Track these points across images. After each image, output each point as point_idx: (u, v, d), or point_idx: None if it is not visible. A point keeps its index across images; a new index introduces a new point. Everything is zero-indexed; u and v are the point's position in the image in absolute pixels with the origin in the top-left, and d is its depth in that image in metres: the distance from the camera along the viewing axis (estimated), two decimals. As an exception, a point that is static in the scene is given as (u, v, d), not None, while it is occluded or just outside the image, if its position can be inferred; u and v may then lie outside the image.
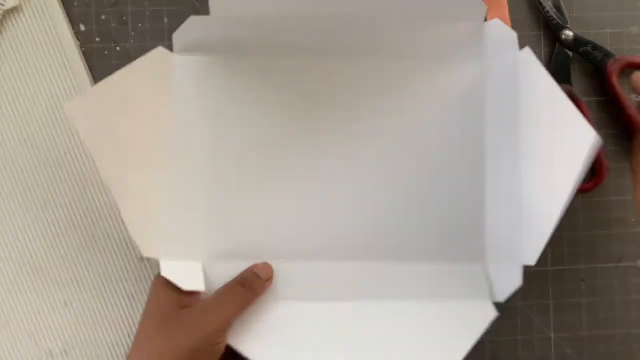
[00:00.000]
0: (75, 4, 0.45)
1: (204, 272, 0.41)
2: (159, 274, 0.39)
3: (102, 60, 0.45)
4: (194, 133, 0.42)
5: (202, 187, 0.42)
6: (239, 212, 0.43)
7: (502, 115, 0.42)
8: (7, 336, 0.44)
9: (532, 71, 0.40)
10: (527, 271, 0.46)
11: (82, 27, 0.45)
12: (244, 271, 0.41)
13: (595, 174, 0.46)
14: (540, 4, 0.45)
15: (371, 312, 0.41)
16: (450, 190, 0.43)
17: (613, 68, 0.45)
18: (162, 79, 0.42)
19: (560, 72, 0.46)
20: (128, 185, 0.40)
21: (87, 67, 0.44)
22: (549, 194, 0.38)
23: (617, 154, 0.46)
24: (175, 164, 0.42)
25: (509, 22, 0.45)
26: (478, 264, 0.43)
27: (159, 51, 0.41)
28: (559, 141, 0.39)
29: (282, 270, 0.42)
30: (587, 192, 0.46)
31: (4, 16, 0.43)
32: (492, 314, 0.41)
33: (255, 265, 0.42)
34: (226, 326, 0.39)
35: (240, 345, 0.39)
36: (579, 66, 0.46)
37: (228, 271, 0.41)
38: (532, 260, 0.39)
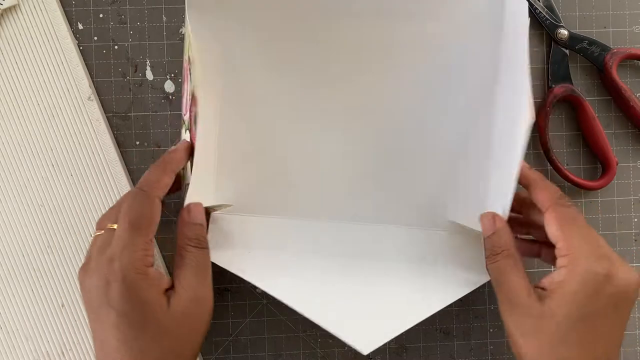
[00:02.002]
0: (74, 2, 0.44)
1: (211, 224, 0.42)
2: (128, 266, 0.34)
3: (100, 58, 0.44)
4: (207, 87, 0.42)
5: (212, 141, 0.43)
6: (245, 164, 0.44)
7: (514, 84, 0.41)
8: (4, 338, 0.44)
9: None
10: (530, 272, 0.46)
11: (80, 26, 0.44)
12: (186, 229, 0.38)
13: (604, 171, 0.45)
14: (532, 4, 0.45)
15: (359, 269, 0.42)
16: (443, 160, 0.44)
17: (612, 61, 0.45)
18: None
19: (558, 71, 0.45)
20: None
21: (85, 65, 0.44)
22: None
23: (620, 153, 0.46)
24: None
25: None
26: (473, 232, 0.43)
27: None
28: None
29: (273, 226, 0.43)
30: (595, 190, 0.46)
31: (1, 15, 0.43)
32: (482, 279, 0.41)
33: (189, 214, 0.38)
34: (211, 300, 0.37)
35: (248, 276, 0.39)
36: (579, 66, 0.46)
37: (229, 224, 0.42)
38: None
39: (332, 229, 0.44)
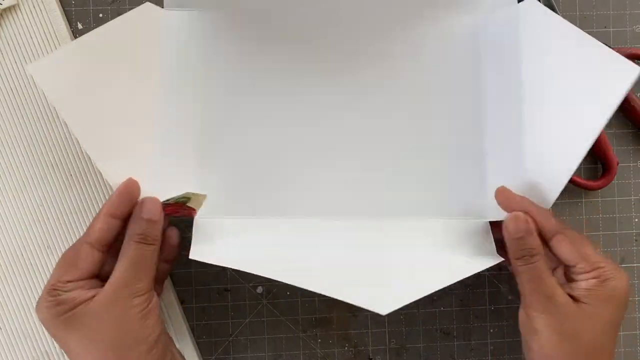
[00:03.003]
0: (73, 2, 0.44)
1: (195, 225, 0.41)
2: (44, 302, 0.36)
3: (100, 58, 0.44)
4: (184, 86, 0.42)
5: (191, 140, 0.42)
6: (230, 163, 0.43)
7: (503, 70, 0.42)
8: (4, 338, 0.44)
9: (540, 19, 0.40)
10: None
11: (80, 25, 0.44)
12: (134, 223, 0.37)
13: (605, 171, 0.45)
14: None
15: (370, 255, 0.42)
16: (452, 148, 0.44)
17: None
18: (149, 33, 0.41)
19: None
20: (107, 142, 0.39)
21: (84, 65, 0.44)
22: (573, 136, 0.39)
23: (620, 153, 0.46)
24: (164, 116, 0.41)
25: None
26: (481, 219, 0.43)
27: (147, 6, 0.41)
28: (593, 79, 0.38)
29: (276, 224, 0.42)
30: (596, 190, 0.46)
31: (1, 15, 0.43)
32: (493, 260, 0.41)
33: (140, 208, 0.38)
34: (148, 297, 0.37)
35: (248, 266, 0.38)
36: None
37: (213, 226, 0.41)
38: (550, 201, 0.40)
39: (335, 225, 0.43)
